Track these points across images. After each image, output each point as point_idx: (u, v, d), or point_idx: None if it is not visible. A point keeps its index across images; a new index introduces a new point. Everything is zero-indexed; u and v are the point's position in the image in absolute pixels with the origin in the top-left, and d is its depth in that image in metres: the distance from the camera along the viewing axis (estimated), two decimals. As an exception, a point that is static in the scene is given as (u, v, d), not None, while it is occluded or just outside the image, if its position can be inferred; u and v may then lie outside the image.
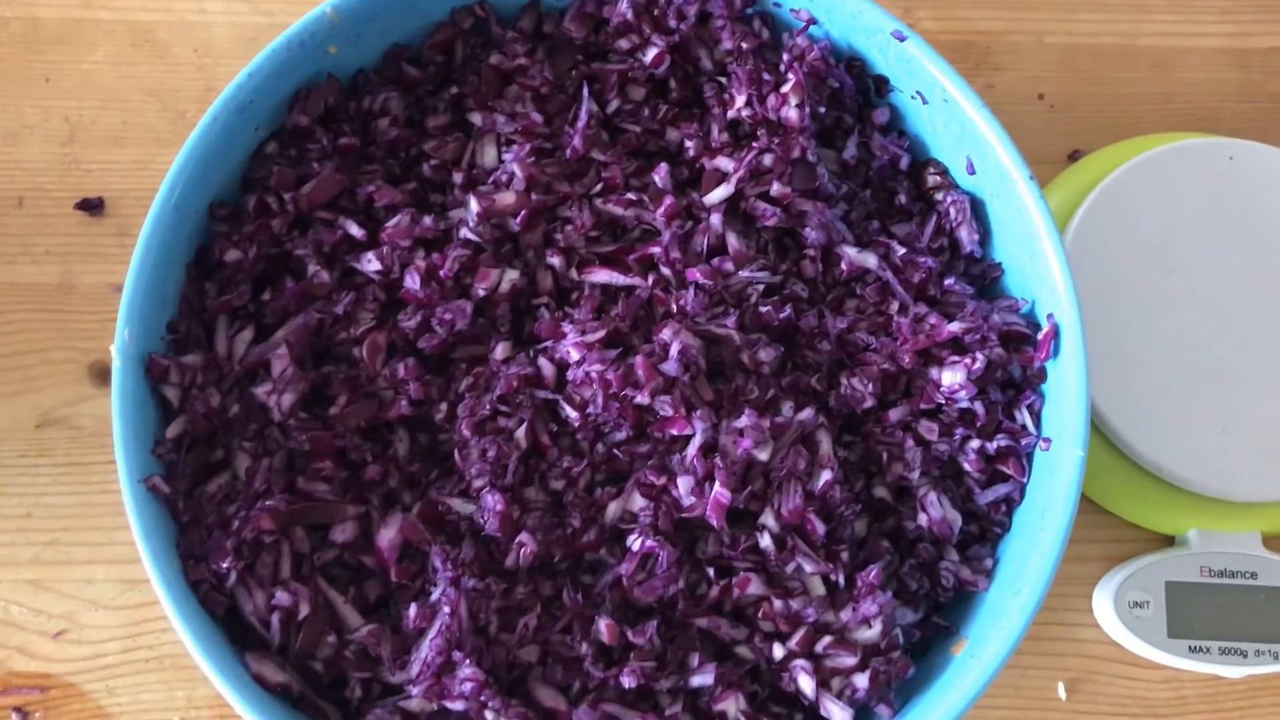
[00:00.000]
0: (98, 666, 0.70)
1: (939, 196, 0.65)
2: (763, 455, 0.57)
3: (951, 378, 0.59)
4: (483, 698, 0.53)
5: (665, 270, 0.61)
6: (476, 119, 0.64)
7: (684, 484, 0.57)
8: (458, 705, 0.54)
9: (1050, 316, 0.60)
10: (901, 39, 0.62)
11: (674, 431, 0.58)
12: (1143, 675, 0.72)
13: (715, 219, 0.61)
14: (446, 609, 0.55)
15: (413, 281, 0.59)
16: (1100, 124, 0.81)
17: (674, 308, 0.60)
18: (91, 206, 0.76)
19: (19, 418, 0.73)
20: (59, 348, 0.74)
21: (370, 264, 0.60)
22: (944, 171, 0.65)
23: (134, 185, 0.77)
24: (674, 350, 0.58)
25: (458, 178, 0.63)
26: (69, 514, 0.72)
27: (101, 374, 0.74)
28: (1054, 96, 0.81)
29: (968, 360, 0.59)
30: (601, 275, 0.61)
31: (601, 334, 0.59)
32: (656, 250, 0.61)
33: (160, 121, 0.78)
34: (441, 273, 0.60)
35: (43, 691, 0.69)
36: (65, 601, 0.71)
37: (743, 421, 0.57)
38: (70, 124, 0.78)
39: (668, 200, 0.61)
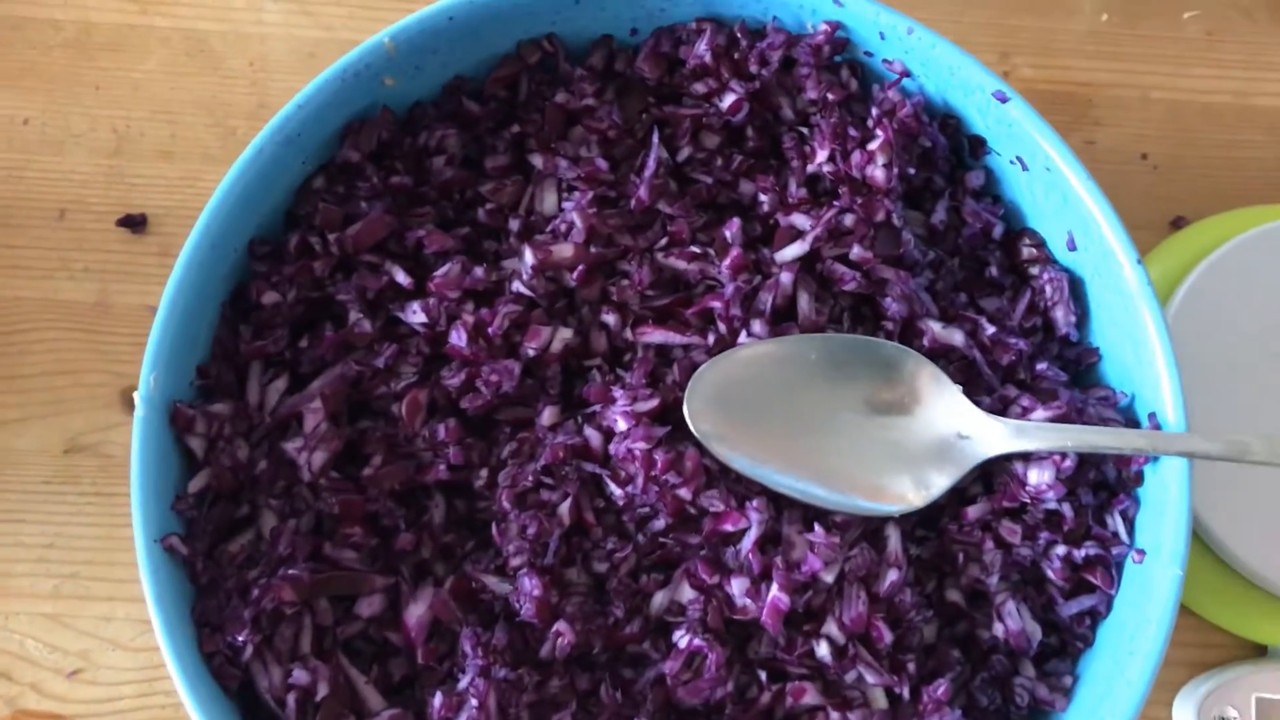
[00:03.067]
0: (112, 710, 0.67)
1: (1034, 271, 0.59)
2: (829, 577, 0.52)
3: (1039, 476, 0.54)
4: (508, 802, 0.49)
5: (723, 328, 0.56)
6: (538, 161, 0.60)
7: (738, 584, 0.53)
8: (481, 808, 0.50)
9: (1152, 416, 0.54)
10: (1004, 100, 0.56)
11: (727, 527, 0.53)
12: (1224, 796, 0.66)
13: (786, 277, 0.56)
14: (474, 701, 0.50)
15: (459, 338, 0.55)
16: (1207, 190, 0.75)
17: (735, 377, 0.55)
18: (134, 223, 0.73)
19: (47, 441, 0.70)
20: (92, 370, 0.71)
21: (415, 315, 0.56)
22: (1041, 244, 0.60)
23: (178, 202, 0.73)
24: (734, 430, 0.53)
25: (514, 224, 0.59)
26: (92, 546, 0.68)
27: (132, 401, 0.70)
28: (1158, 157, 0.75)
29: (1056, 457, 0.54)
30: (657, 335, 0.57)
31: (654, 404, 0.54)
32: (717, 304, 0.56)
33: (210, 136, 0.75)
34: (490, 330, 0.55)
35: (53, 733, 0.66)
36: (82, 639, 0.67)
37: (815, 536, 0.52)
38: (118, 135, 0.74)
39: (734, 252, 0.56)
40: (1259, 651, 0.67)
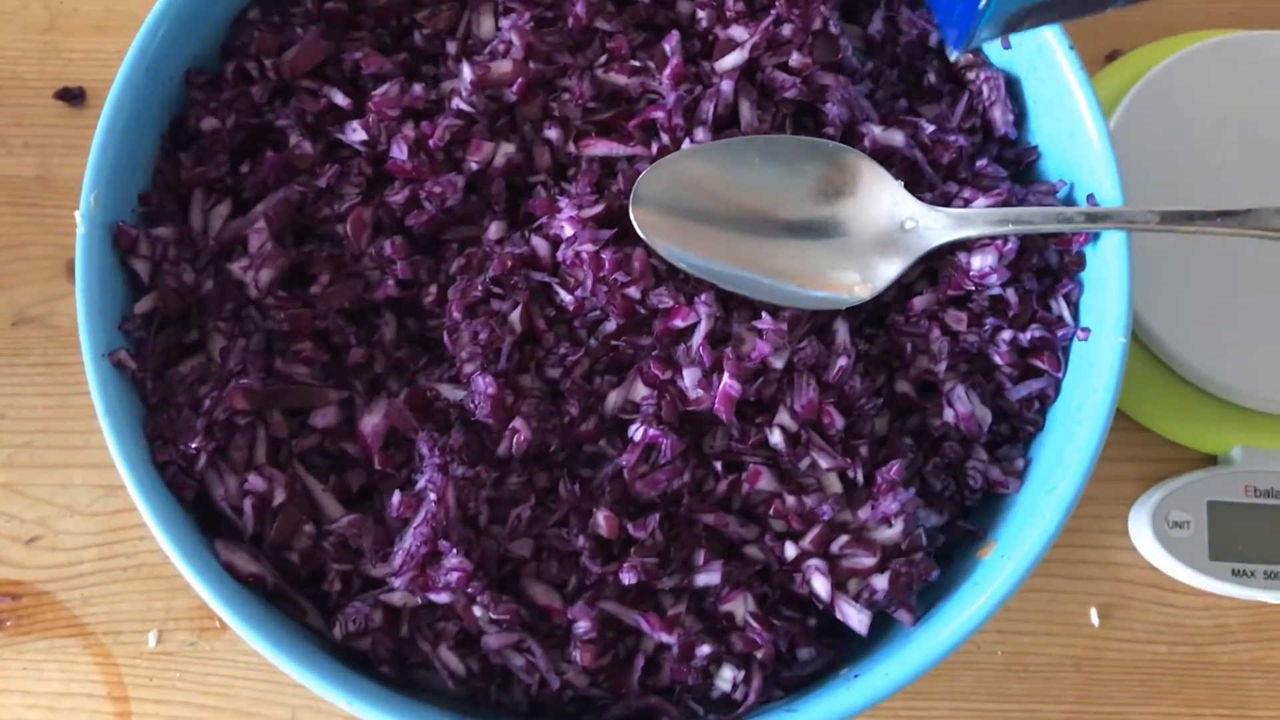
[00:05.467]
0: (73, 575, 0.66)
1: (970, 75, 0.60)
2: (778, 363, 0.53)
3: (982, 261, 0.55)
4: (470, 590, 0.49)
5: (666, 138, 0.56)
6: (473, -13, 0.60)
7: (690, 375, 0.53)
8: (443, 597, 0.50)
9: (1090, 197, 0.55)
10: (933, -101, 0.57)
11: (677, 323, 0.54)
12: (1181, 601, 0.67)
13: (726, 85, 0.57)
14: (433, 496, 0.51)
15: (400, 152, 0.55)
16: (1140, 22, 0.75)
17: (679, 184, 0.55)
18: (72, 97, 0.72)
19: (-7, 315, 0.69)
20: (36, 243, 0.70)
21: (355, 134, 0.56)
22: (976, 49, 0.60)
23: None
24: (680, 229, 0.54)
25: (451, 48, 0.59)
26: (44, 415, 0.68)
27: (80, 271, 0.70)
28: (1093, -6, 0.76)
29: (999, 242, 0.54)
30: (600, 147, 0.57)
31: (599, 209, 0.55)
32: (659, 114, 0.56)
33: (145, 9, 0.73)
34: (431, 142, 0.55)
35: (14, 600, 0.66)
36: (39, 506, 0.67)
37: (763, 324, 0.53)
38: (50, 10, 0.74)
39: (674, 61, 0.57)
40: (1209, 462, 0.68)
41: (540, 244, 0.55)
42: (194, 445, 0.51)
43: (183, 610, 0.66)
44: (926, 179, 0.57)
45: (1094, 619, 0.67)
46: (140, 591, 0.66)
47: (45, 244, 0.70)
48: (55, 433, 0.68)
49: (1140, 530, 0.67)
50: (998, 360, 0.55)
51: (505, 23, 0.58)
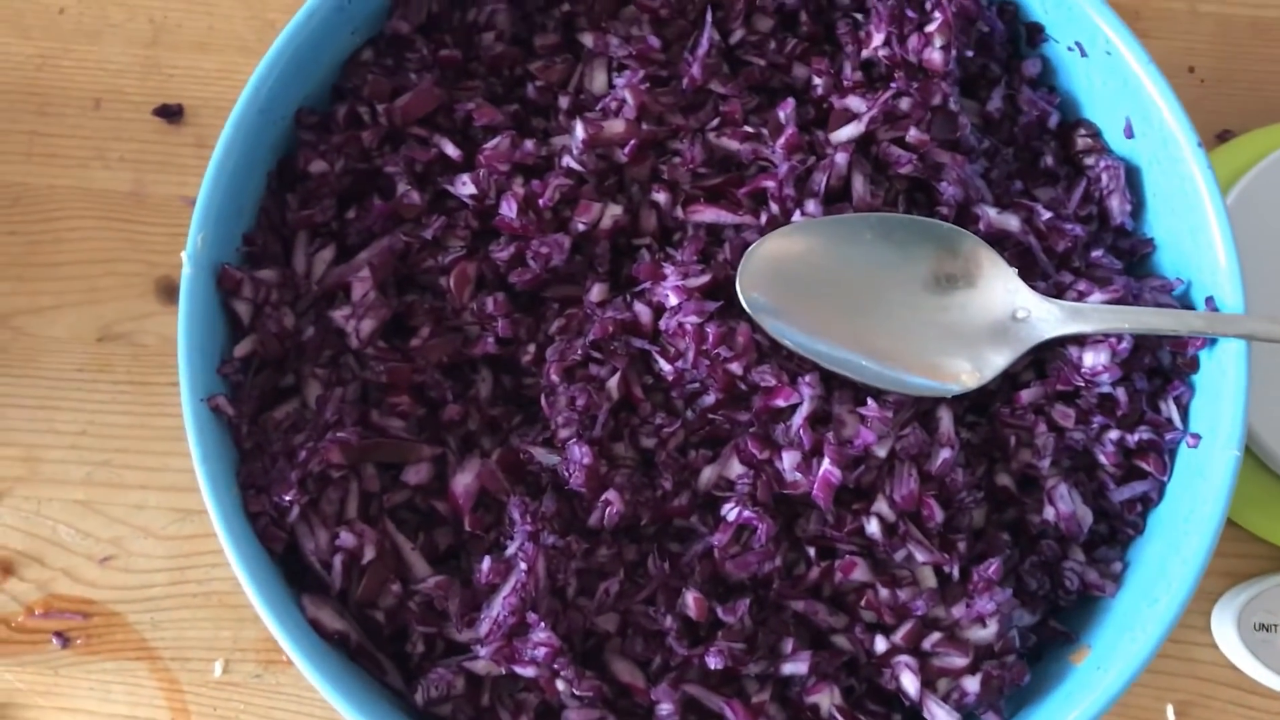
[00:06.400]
0: (143, 597, 0.66)
1: (1089, 161, 0.59)
2: (881, 451, 0.52)
3: (1094, 358, 0.53)
4: (555, 665, 0.49)
5: (776, 208, 0.55)
6: (588, 40, 0.59)
7: (789, 458, 0.52)
8: (528, 671, 0.49)
9: (1209, 300, 0.54)
10: (1065, -18, 0.56)
11: (779, 402, 0.53)
12: (1262, 705, 0.66)
13: (840, 157, 0.56)
14: (523, 565, 0.50)
15: (509, 209, 0.55)
16: (1255, 103, 0.74)
17: (788, 256, 0.54)
18: (170, 114, 0.72)
19: (80, 329, 0.69)
20: (126, 259, 0.70)
21: (465, 187, 0.55)
22: (1096, 134, 0.59)
23: (215, 94, 0.73)
24: (786, 306, 0.53)
25: (564, 102, 0.58)
26: (124, 435, 0.68)
27: (168, 290, 0.70)
28: (1205, 70, 0.74)
29: (1112, 340, 0.53)
30: (708, 214, 0.56)
31: (705, 279, 0.54)
32: (770, 184, 0.55)
33: (247, 29, 0.74)
34: (541, 201, 0.55)
35: (85, 618, 0.66)
36: (114, 526, 0.67)
37: (869, 410, 0.52)
38: (155, 25, 0.73)
39: (788, 130, 0.56)
40: (1299, 562, 0.67)
41: (642, 310, 0.54)
42: (288, 498, 0.51)
43: (249, 641, 0.66)
44: (1040, 267, 0.56)
45: (1170, 717, 0.65)
46: (209, 619, 0.66)
47: (135, 260, 0.70)
48: (134, 453, 0.68)
49: (1224, 629, 0.65)
50: (1102, 459, 0.54)
51: (619, 80, 0.57)
